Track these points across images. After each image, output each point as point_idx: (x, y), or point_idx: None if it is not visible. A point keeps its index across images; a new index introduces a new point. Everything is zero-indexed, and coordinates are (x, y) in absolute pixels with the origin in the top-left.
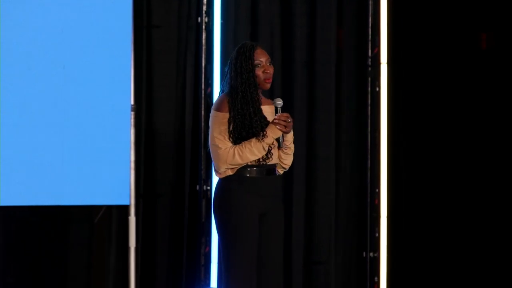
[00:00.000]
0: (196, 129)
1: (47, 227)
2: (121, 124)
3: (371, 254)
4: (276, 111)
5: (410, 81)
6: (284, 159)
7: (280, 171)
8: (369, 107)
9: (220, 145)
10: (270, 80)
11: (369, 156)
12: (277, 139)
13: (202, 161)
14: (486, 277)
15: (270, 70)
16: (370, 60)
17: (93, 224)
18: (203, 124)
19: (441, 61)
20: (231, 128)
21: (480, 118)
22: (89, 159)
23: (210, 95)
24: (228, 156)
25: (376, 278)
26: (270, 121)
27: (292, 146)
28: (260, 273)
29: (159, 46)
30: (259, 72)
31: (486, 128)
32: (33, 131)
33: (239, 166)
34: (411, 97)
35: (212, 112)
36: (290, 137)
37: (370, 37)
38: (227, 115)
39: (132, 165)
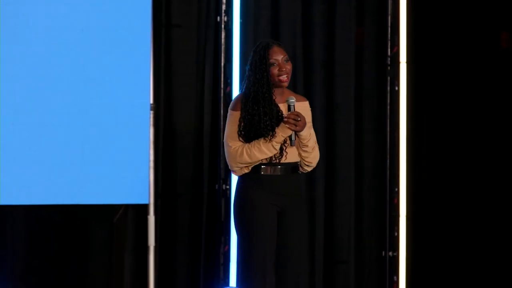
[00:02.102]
0: (215, 128)
1: (68, 225)
2: (140, 123)
3: (390, 253)
4: (289, 109)
5: (429, 80)
6: (305, 157)
7: (307, 169)
8: (388, 106)
9: (230, 144)
10: (286, 78)
11: (388, 155)
12: (289, 137)
13: (221, 160)
14: (506, 276)
15: (287, 68)
16: (389, 59)
17: (112, 223)
18: (222, 123)
19: (461, 60)
20: (241, 127)
21: (501, 118)
22: (108, 158)
23: (229, 94)
24: (237, 154)
25: (395, 278)
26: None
27: (310, 143)
28: (278, 271)
29: (178, 45)
30: (274, 70)
31: (506, 127)
32: (53, 130)
33: (252, 164)
34: (430, 96)
35: (228, 111)
36: (306, 134)
37: (389, 36)
38: (239, 114)
39: (151, 164)
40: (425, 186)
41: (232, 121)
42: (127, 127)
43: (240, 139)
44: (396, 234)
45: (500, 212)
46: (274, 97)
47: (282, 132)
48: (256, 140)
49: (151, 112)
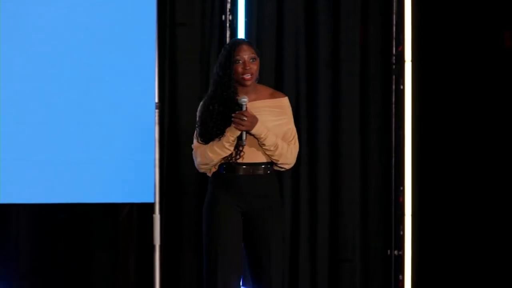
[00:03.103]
0: None
1: (73, 224)
2: (145, 122)
3: (395, 252)
4: (241, 109)
5: (434, 79)
6: (271, 155)
7: (282, 167)
8: (394, 105)
9: (193, 145)
10: (250, 77)
11: (393, 154)
12: (239, 137)
13: None
14: None
15: (252, 67)
16: (394, 58)
17: (117, 222)
18: None
19: (465, 59)
20: (197, 129)
21: (504, 117)
22: (113, 157)
23: None
24: (196, 155)
25: (400, 276)
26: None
27: (268, 141)
28: (252, 271)
29: (183, 44)
30: (238, 68)
31: (511, 126)
32: (58, 129)
33: (212, 165)
34: (435, 94)
35: None
36: (259, 133)
37: (394, 34)
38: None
39: (157, 163)
40: (431, 184)
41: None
42: (132, 126)
43: (200, 141)
44: (401, 233)
45: (507, 210)
46: (237, 96)
47: (230, 132)
48: (212, 141)
49: (156, 111)
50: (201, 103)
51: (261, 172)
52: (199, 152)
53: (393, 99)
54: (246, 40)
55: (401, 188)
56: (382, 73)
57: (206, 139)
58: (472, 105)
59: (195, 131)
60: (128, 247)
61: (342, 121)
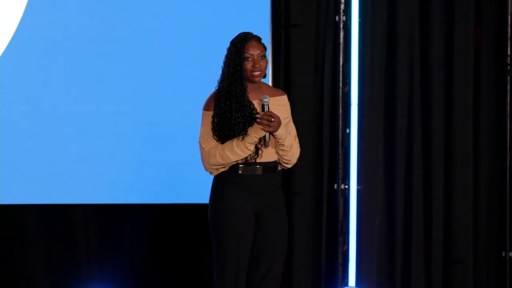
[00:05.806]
0: (334, 128)
1: (164, 224)
2: None
3: (510, 253)
4: (263, 109)
5: None
6: (283, 155)
7: (287, 166)
8: (508, 106)
9: (203, 145)
10: (259, 74)
11: (508, 155)
12: (263, 138)
13: (340, 159)
14: None
15: (261, 64)
16: (509, 59)
17: None
18: (340, 122)
19: None
20: (214, 125)
21: None
22: None
23: (347, 94)
24: (210, 156)
25: None
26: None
27: (287, 142)
28: (255, 270)
29: (297, 45)
30: (248, 65)
31: None
32: (149, 130)
33: (227, 166)
34: None
35: (202, 112)
36: (281, 134)
37: (509, 35)
38: (211, 113)
39: None
40: None
41: (205, 122)
42: None
43: (215, 138)
44: None
45: None
46: (247, 93)
47: (255, 133)
48: (230, 141)
49: None
50: (209, 98)
51: (275, 170)
52: (214, 153)
53: (508, 100)
54: (255, 35)
55: None
56: (497, 74)
57: (223, 135)
58: None
59: (204, 131)
60: None
61: (456, 121)
